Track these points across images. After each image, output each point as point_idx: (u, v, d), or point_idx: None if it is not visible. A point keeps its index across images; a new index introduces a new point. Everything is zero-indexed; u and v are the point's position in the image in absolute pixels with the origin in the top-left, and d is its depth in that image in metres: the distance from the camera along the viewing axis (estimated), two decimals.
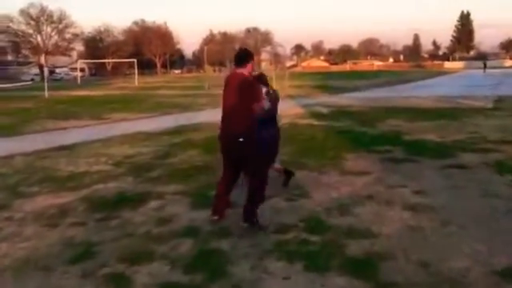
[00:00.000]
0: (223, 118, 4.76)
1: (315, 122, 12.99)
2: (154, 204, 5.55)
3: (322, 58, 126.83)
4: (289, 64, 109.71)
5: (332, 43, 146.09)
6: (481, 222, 4.74)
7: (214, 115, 16.19)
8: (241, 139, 4.55)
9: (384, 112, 15.34)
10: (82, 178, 6.92)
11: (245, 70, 4.71)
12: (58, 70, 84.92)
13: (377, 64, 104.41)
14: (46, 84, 29.35)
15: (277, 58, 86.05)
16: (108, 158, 8.44)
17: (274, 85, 36.08)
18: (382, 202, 5.42)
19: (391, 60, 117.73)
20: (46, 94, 28.11)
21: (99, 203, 5.61)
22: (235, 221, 4.82)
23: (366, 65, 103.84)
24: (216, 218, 4.85)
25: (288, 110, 16.49)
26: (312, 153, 8.44)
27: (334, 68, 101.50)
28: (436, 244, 4.21)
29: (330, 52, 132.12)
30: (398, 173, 6.87)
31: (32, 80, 60.89)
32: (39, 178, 6.99)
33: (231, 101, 4.65)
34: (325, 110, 16.32)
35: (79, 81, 52.68)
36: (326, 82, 38.47)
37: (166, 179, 6.74)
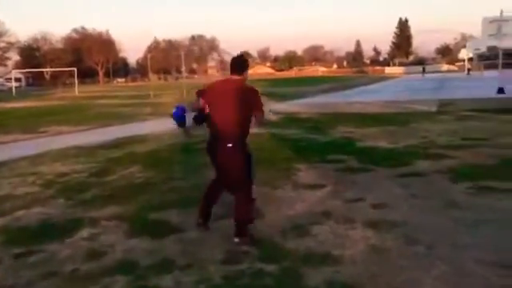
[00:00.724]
0: (215, 127, 4.39)
1: (263, 131, 12.52)
2: (84, 233, 4.83)
3: (268, 64, 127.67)
4: None
5: (277, 50, 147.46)
6: (447, 238, 4.37)
7: (158, 125, 15.57)
8: (229, 144, 4.28)
9: (333, 118, 15.13)
10: (2, 204, 6.06)
11: (242, 78, 4.49)
12: None
13: (321, 70, 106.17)
14: None
15: (223, 65, 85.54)
16: (36, 178, 7.57)
17: None
18: (341, 219, 4.97)
19: (335, 66, 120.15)
20: None
21: (19, 234, 4.83)
22: (180, 249, 4.22)
23: (311, 71, 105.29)
24: (201, 221, 4.71)
25: None
26: (262, 165, 7.88)
27: (280, 74, 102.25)
28: (405, 268, 3.79)
29: (276, 59, 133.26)
30: (354, 184, 6.48)
31: None
32: None
33: (228, 109, 4.31)
34: (273, 118, 15.92)
35: (14, 92, 49.86)
36: (272, 89, 38.29)
37: (100, 201, 6.01)
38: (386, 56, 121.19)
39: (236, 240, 4.38)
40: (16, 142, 12.35)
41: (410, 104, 19.31)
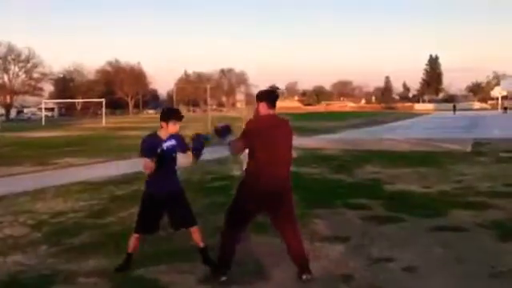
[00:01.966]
0: (271, 165, 4.12)
1: None
2: None
3: (296, 98, 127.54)
4: None
5: (306, 84, 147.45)
6: None
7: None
8: (289, 184, 4.28)
9: (360, 156, 14.20)
10: None
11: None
12: (25, 110, 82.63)
13: (350, 105, 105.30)
14: None
15: (251, 99, 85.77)
16: (29, 217, 6.88)
17: (243, 125, 35.22)
18: None
19: (363, 101, 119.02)
20: None
21: None
22: None
23: (339, 106, 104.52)
24: (224, 278, 4.22)
25: None
26: None
27: (308, 109, 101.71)
28: None
29: (304, 93, 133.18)
30: (382, 238, 5.55)
31: None
32: None
33: (283, 147, 4.20)
34: (295, 154, 15.06)
35: (43, 121, 50.59)
36: (299, 123, 37.52)
37: (88, 249, 5.24)
38: (416, 92, 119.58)
39: (308, 277, 4.16)
40: (24, 174, 11.83)
41: (442, 143, 18.23)
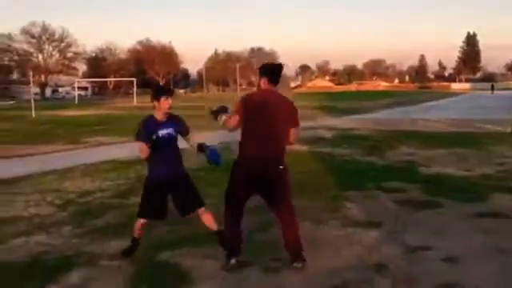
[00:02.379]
0: (258, 140, 3.95)
1: (315, 149, 11.37)
2: (74, 277, 3.92)
3: (327, 78, 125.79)
4: (293, 84, 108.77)
5: (337, 63, 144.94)
6: None
7: (205, 139, 14.68)
8: (281, 167, 4.01)
9: (393, 137, 13.72)
10: (4, 227, 5.32)
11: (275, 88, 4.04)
12: (60, 89, 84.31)
13: (382, 84, 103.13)
14: (32, 103, 27.97)
15: (281, 78, 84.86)
16: (56, 197, 6.84)
17: None
18: (401, 280, 3.77)
19: (397, 81, 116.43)
20: (33, 113, 26.72)
21: (1, 274, 3.98)
22: None
23: (371, 85, 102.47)
24: (234, 261, 3.99)
25: None
26: (307, 192, 6.79)
27: (339, 88, 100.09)
28: None
29: (335, 72, 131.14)
30: (418, 224, 5.23)
31: (14, 100, 59.27)
32: None
33: (273, 122, 3.95)
34: (328, 134, 14.72)
35: (77, 100, 51.42)
36: (330, 103, 36.99)
37: (112, 231, 5.12)
38: (452, 71, 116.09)
39: (298, 265, 3.95)
40: (56, 152, 11.90)
41: (480, 123, 17.49)
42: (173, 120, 4.25)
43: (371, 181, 7.50)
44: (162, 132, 4.12)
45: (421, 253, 4.34)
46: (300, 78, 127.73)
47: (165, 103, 4.17)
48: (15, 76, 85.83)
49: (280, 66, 4.19)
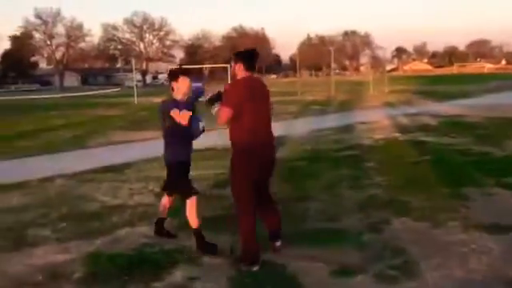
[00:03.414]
0: (259, 129, 3.89)
1: (421, 138, 10.55)
2: (178, 275, 3.77)
3: (425, 60, 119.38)
4: (389, 68, 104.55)
5: (436, 45, 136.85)
6: None
7: (297, 126, 14.47)
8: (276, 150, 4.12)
9: (507, 124, 12.41)
10: (110, 216, 5.39)
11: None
12: (159, 76, 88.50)
13: (488, 67, 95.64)
14: (135, 90, 29.36)
15: (376, 62, 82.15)
16: (157, 185, 6.87)
17: (372, 90, 33.42)
18: None
19: (504, 62, 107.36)
20: (136, 100, 28.04)
21: (105, 268, 3.95)
22: None
23: (474, 68, 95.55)
24: (258, 267, 3.79)
25: (385, 121, 14.16)
26: (418, 187, 6.20)
27: (439, 71, 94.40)
28: None
29: (434, 54, 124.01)
30: None
31: (118, 87, 62.82)
32: (60, 214, 5.56)
33: (266, 110, 4.00)
34: (432, 122, 13.68)
35: None
36: (430, 88, 34.84)
37: (212, 224, 4.94)
38: None
39: (278, 244, 4.10)
40: (155, 139, 12.21)
41: None
42: (189, 105, 4.28)
43: (489, 175, 6.69)
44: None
45: None
46: (396, 60, 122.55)
47: (184, 83, 4.24)
48: (119, 64, 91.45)
49: (255, 52, 4.03)
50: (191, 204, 4.22)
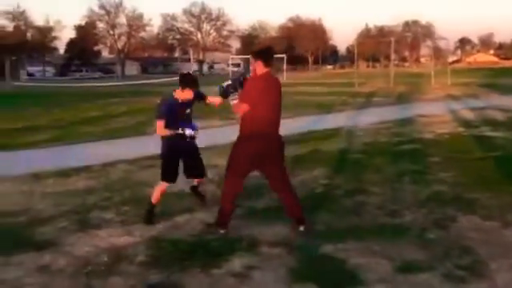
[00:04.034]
0: (267, 119, 4.30)
1: (487, 133, 10.05)
2: (237, 263, 3.78)
3: (491, 52, 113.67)
4: (451, 59, 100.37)
5: (503, 36, 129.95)
6: None
7: (355, 118, 14.17)
8: (281, 140, 4.47)
9: None
10: (170, 202, 5.46)
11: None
12: (215, 66, 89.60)
13: None
14: None
15: (438, 53, 79.16)
16: (215, 173, 6.90)
17: (433, 82, 32.18)
18: None
19: None
20: None
21: (167, 253, 4.02)
22: None
23: None
24: (225, 231, 4.39)
25: (448, 115, 13.60)
26: (485, 184, 5.89)
27: (507, 63, 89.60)
28: None
29: (501, 46, 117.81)
30: None
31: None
32: (122, 198, 5.72)
33: (276, 102, 4.37)
34: (500, 116, 12.99)
35: (231, 76, 53.83)
36: (497, 80, 33.11)
37: (270, 215, 4.94)
38: None
39: (302, 228, 4.39)
40: (212, 127, 12.36)
41: None
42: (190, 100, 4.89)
43: None
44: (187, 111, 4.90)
45: None
46: (459, 52, 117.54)
47: (188, 93, 4.77)
48: (177, 54, 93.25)
49: (272, 50, 4.59)
50: (162, 186, 4.85)
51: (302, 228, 4.38)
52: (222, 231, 4.36)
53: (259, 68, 4.30)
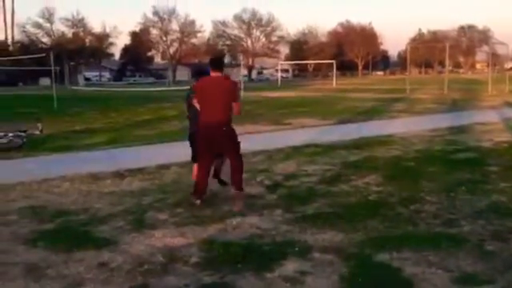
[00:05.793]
0: (208, 111, 5.43)
1: None
2: (289, 267, 3.78)
3: None
4: (509, 65, 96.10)
5: None
6: None
7: (408, 125, 13.80)
8: (224, 128, 5.45)
9: None
10: (221, 205, 5.55)
11: (221, 74, 5.51)
12: (264, 72, 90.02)
13: None
14: (242, 85, 30.07)
15: (495, 59, 76.10)
16: (265, 177, 7.00)
17: (490, 89, 31.08)
18: None
19: None
20: (242, 94, 28.76)
21: (219, 255, 4.08)
22: None
23: None
24: (199, 201, 5.54)
25: (507, 123, 13.07)
26: None
27: None
28: None
29: None
30: None
31: None
32: (177, 199, 5.85)
33: (216, 98, 5.41)
34: None
35: (279, 82, 54.03)
36: None
37: (321, 220, 4.90)
38: None
39: (237, 191, 5.58)
40: (259, 133, 12.42)
41: None
42: None
43: None
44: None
45: None
46: None
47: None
48: (226, 60, 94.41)
49: (219, 56, 6.06)
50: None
51: (236, 191, 5.58)
52: (196, 201, 5.51)
53: (211, 72, 5.50)
